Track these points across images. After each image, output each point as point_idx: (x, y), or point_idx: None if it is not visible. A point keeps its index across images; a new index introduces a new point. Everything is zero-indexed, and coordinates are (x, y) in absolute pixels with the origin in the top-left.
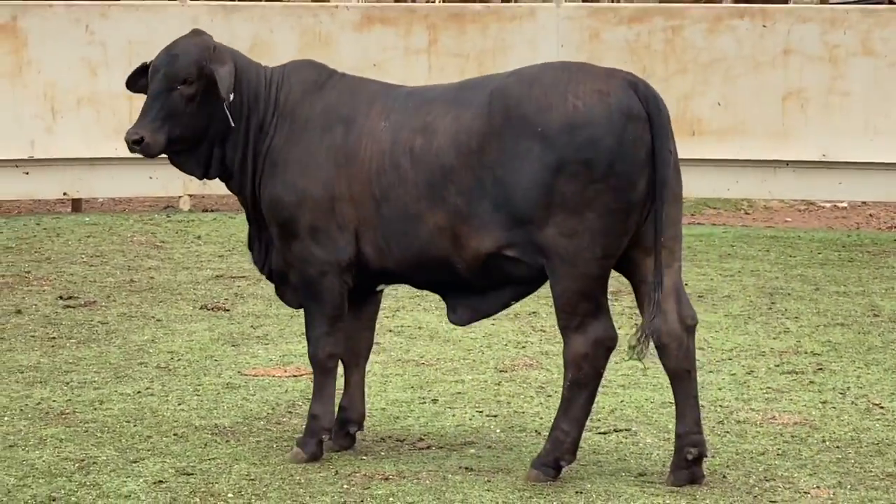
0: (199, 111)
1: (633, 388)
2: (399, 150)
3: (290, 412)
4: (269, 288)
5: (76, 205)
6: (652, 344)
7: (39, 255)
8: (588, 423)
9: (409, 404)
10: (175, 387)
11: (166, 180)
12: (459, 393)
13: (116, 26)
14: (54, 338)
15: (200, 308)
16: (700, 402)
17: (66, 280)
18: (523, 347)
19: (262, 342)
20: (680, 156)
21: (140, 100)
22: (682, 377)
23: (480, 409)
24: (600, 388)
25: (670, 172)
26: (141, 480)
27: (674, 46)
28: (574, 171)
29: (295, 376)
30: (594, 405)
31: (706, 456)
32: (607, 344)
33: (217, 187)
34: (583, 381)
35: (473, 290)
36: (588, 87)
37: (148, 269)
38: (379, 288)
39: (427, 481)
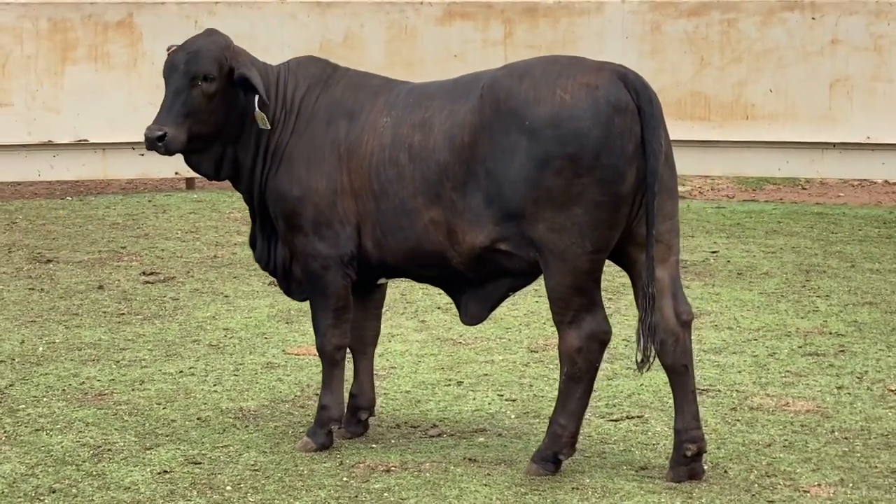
0: (218, 109)
1: (655, 370)
2: (398, 146)
3: (317, 394)
4: None
5: (189, 183)
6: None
7: (140, 231)
8: (602, 408)
9: (435, 387)
10: (217, 366)
11: None
12: (486, 375)
13: (222, 22)
14: (123, 314)
15: (269, 284)
16: (717, 388)
17: (155, 256)
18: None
19: None
20: (734, 139)
21: None
22: (680, 372)
23: (501, 393)
24: (620, 372)
25: (660, 165)
26: (147, 470)
27: (729, 38)
28: (560, 165)
29: None
30: (614, 390)
31: (705, 451)
32: (601, 338)
33: None
34: (577, 376)
35: (472, 283)
36: (577, 80)
37: (233, 244)
38: (380, 281)
39: (427, 474)
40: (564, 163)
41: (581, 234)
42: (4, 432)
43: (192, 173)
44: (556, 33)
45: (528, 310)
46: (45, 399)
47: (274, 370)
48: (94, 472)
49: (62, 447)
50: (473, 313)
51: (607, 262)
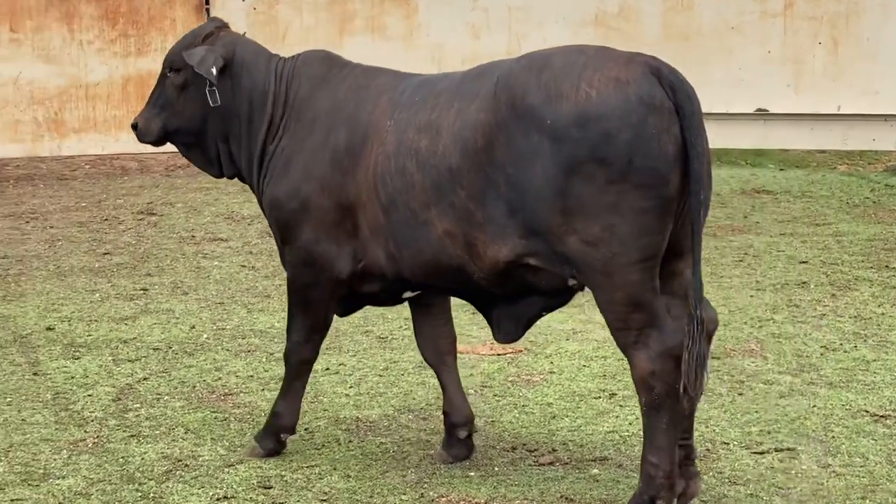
0: (191, 101)
1: (830, 396)
2: (404, 153)
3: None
4: None
5: None
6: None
7: None
8: (744, 437)
9: (582, 399)
10: (369, 363)
11: None
12: None
13: None
14: None
15: None
16: None
17: None
18: (757, 327)
19: None
20: None
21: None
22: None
23: None
24: (768, 392)
25: (705, 170)
26: (208, 495)
27: None
28: (589, 171)
29: (498, 354)
30: (764, 414)
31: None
32: (674, 353)
33: None
34: (657, 403)
35: (502, 299)
36: (604, 73)
37: None
38: (405, 296)
39: None
40: (594, 168)
41: (623, 244)
42: (97, 437)
43: None
44: (839, 4)
45: (722, 305)
46: (166, 397)
47: (425, 370)
48: (151, 495)
49: (141, 460)
50: (508, 330)
51: None
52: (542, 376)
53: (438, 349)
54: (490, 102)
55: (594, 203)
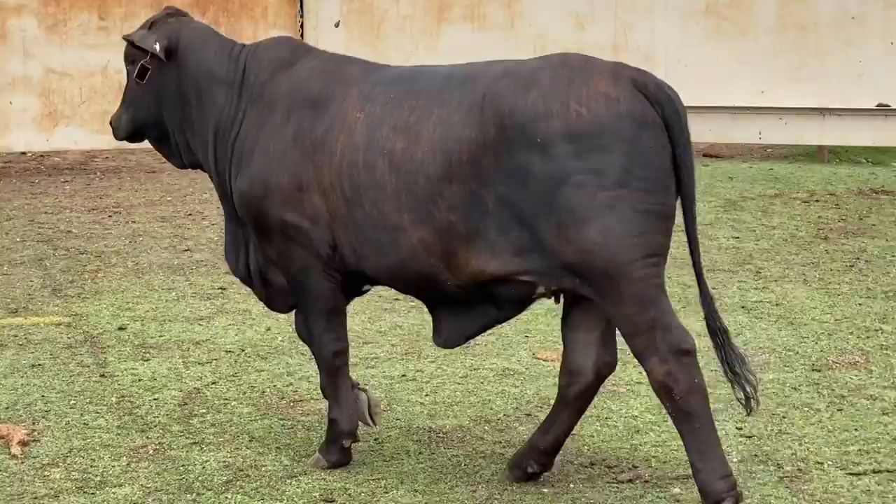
0: (149, 92)
1: None
2: (375, 149)
3: (528, 415)
4: None
5: None
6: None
7: None
8: (841, 457)
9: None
10: (448, 370)
11: None
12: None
13: None
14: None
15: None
16: None
17: None
18: (864, 338)
19: None
20: None
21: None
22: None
23: (741, 426)
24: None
25: (694, 186)
26: None
27: None
28: (580, 181)
29: None
30: (864, 432)
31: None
32: (685, 348)
33: None
34: (683, 406)
35: (457, 304)
36: (592, 88)
37: None
38: (364, 288)
39: None
40: (586, 177)
41: (621, 243)
42: (158, 444)
43: None
44: None
45: (844, 314)
46: (233, 403)
47: (507, 378)
48: None
49: (202, 469)
50: (449, 337)
51: None
52: (627, 387)
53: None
54: (476, 119)
55: (587, 208)
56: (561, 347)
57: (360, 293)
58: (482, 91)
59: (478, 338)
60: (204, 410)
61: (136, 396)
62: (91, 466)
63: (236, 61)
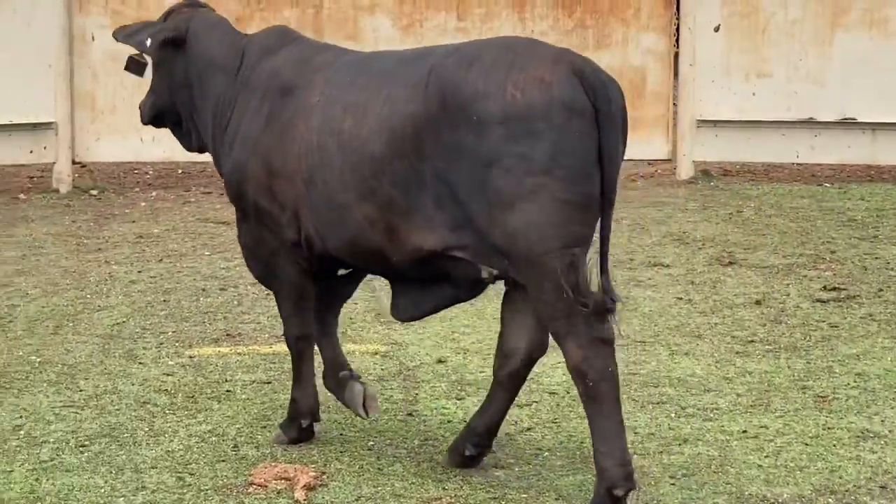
0: (163, 79)
1: None
2: (326, 130)
3: (883, 487)
4: None
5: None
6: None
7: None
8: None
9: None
10: (797, 427)
11: None
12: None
13: None
14: None
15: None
16: None
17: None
18: None
19: None
20: None
21: None
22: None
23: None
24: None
25: (617, 174)
26: None
27: None
28: (508, 165)
29: None
30: None
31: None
32: (605, 337)
33: None
34: (594, 392)
35: (417, 283)
36: (529, 73)
37: None
38: (340, 272)
39: None
40: (514, 161)
41: (541, 233)
42: (455, 496)
43: None
44: None
45: None
46: (546, 454)
47: (865, 441)
48: None
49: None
50: (404, 311)
51: None
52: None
53: None
54: (421, 94)
55: (512, 194)
56: None
57: (337, 277)
58: (429, 68)
59: (837, 390)
60: (512, 460)
61: (442, 440)
62: None
63: (237, 50)
